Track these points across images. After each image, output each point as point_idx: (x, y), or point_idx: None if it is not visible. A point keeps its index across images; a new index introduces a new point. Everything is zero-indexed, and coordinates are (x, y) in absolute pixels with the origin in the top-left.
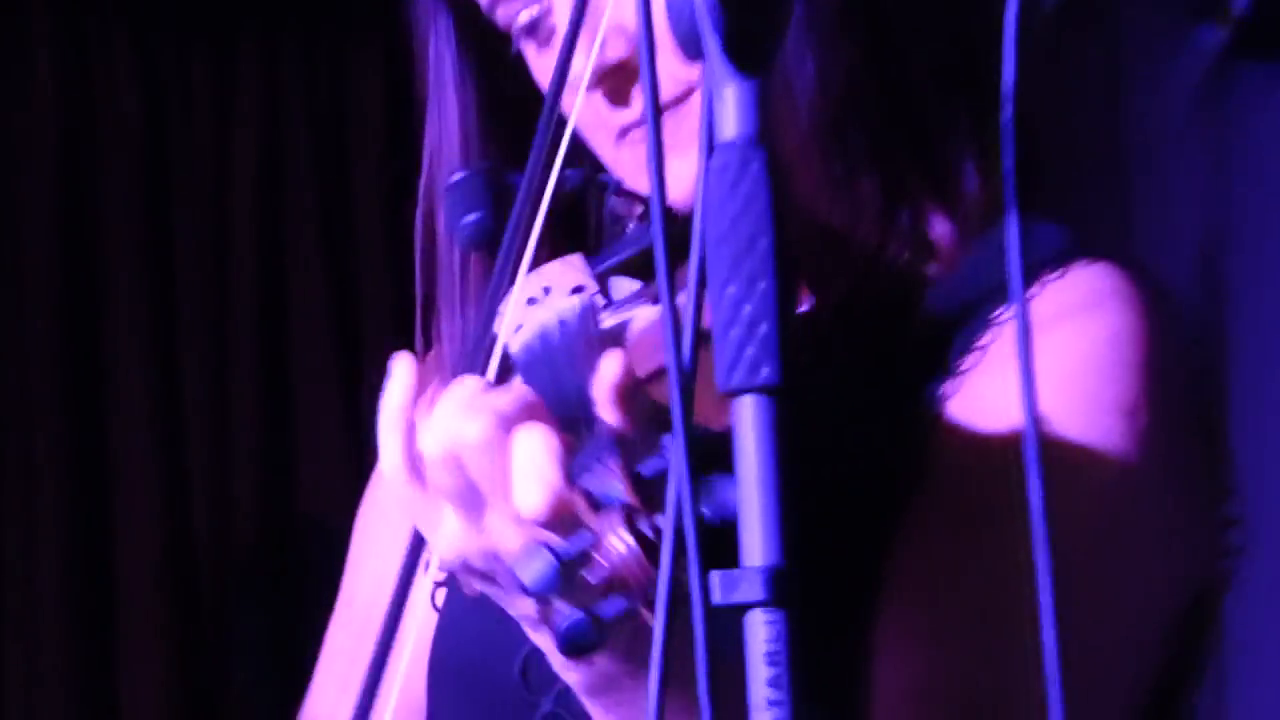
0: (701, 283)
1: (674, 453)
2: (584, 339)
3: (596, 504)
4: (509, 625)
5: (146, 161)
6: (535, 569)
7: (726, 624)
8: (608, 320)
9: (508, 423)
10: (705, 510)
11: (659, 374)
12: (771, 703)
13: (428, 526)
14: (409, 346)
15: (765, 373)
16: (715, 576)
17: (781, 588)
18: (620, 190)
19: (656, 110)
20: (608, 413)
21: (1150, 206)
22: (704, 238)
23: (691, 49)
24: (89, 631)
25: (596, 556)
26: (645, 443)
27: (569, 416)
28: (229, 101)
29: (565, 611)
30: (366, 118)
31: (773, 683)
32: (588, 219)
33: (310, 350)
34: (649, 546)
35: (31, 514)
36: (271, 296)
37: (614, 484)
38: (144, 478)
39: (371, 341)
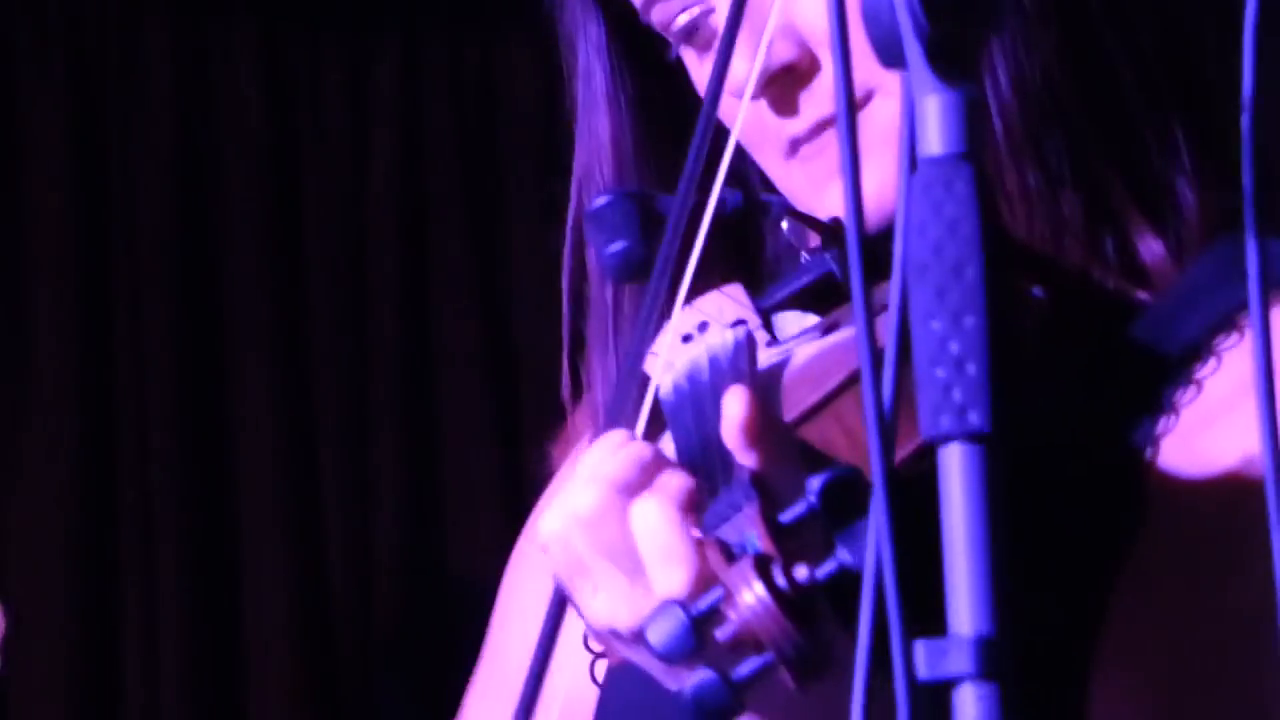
0: (903, 314)
1: (875, 507)
2: (735, 378)
3: (731, 555)
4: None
5: (274, 174)
6: (664, 629)
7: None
8: (766, 357)
9: (626, 489)
10: (850, 559)
11: (814, 412)
12: None
13: (574, 595)
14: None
15: (974, 418)
16: (919, 647)
17: (994, 659)
18: (790, 212)
19: (853, 125)
20: (740, 455)
21: None
22: (905, 264)
23: (889, 55)
24: (218, 703)
25: (726, 610)
26: (788, 487)
27: (716, 462)
28: (364, 105)
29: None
30: (520, 124)
31: None
32: (752, 246)
33: (458, 393)
34: (784, 600)
35: (155, 571)
36: (415, 332)
37: (750, 532)
38: (275, 533)
39: (525, 384)
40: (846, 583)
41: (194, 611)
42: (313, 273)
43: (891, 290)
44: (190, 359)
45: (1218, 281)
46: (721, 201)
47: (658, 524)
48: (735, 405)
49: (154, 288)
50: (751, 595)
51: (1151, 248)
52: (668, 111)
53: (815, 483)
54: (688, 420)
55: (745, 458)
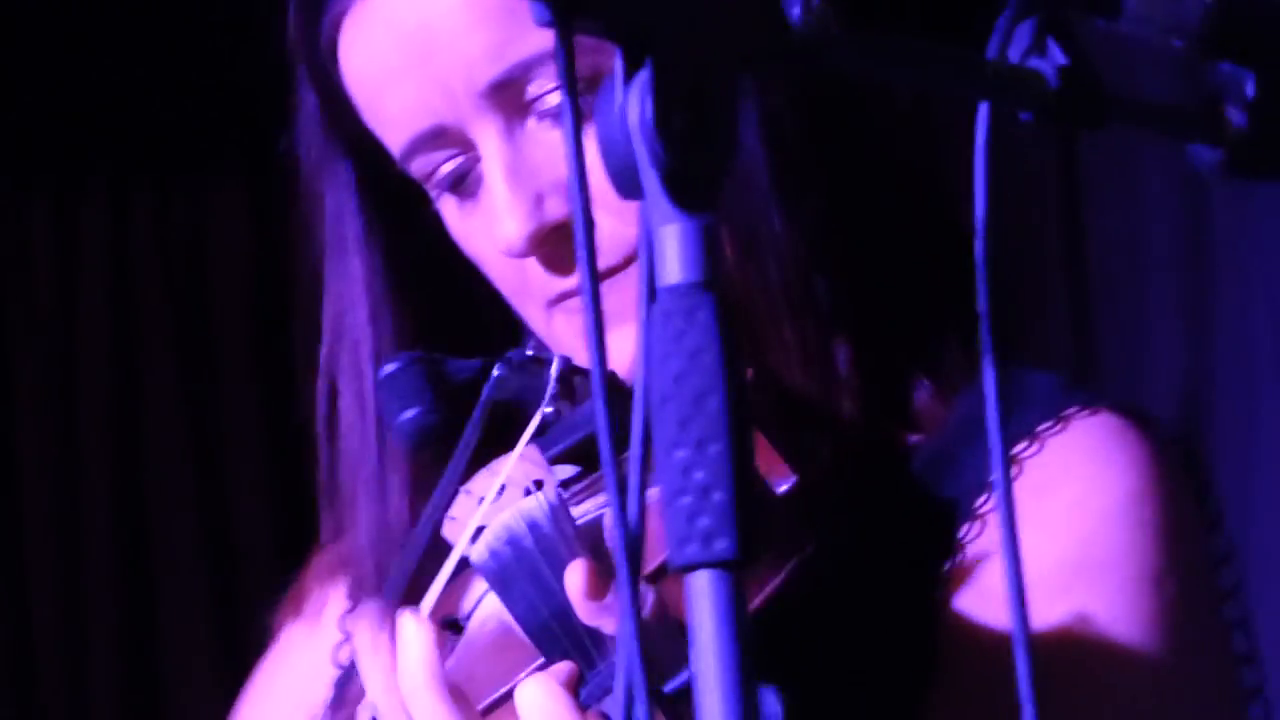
0: (647, 449)
1: (624, 637)
2: (561, 540)
3: None
4: None
5: None
6: None
7: None
8: (576, 512)
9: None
10: None
11: (663, 570)
12: None
13: None
14: (282, 527)
15: (721, 545)
16: None
17: None
18: (571, 368)
19: (594, 271)
20: (596, 622)
21: (1121, 339)
22: (647, 397)
23: (627, 186)
24: None
25: None
26: (663, 651)
27: (579, 630)
28: (74, 258)
29: None
30: (230, 270)
31: None
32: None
33: (171, 556)
34: None
35: None
36: (126, 482)
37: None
38: None
39: (242, 542)
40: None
41: None
42: (21, 430)
43: (633, 422)
44: None
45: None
46: (507, 359)
47: (543, 701)
48: (576, 578)
49: None
50: None
51: (920, 391)
52: (419, 257)
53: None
54: (527, 590)
55: (605, 625)
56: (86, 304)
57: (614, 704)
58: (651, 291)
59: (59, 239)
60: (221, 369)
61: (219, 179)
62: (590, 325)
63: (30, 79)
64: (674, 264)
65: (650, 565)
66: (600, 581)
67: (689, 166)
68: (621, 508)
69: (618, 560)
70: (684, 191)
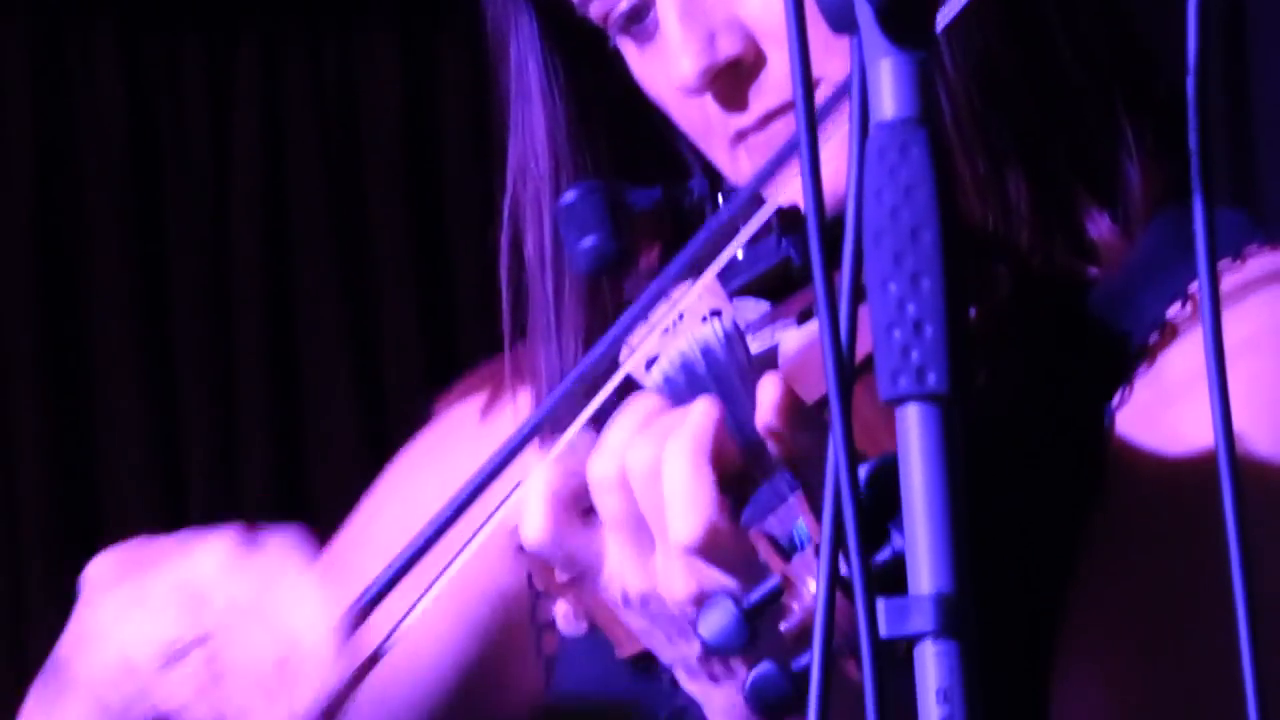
0: (858, 283)
1: (833, 457)
2: (734, 367)
3: (782, 547)
4: (650, 677)
5: (134, 176)
6: (716, 620)
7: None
8: (754, 345)
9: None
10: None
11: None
12: None
13: (590, 559)
14: (433, 375)
15: (932, 379)
16: (880, 606)
17: (954, 617)
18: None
19: (810, 97)
20: (777, 442)
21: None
22: (859, 231)
23: (840, 21)
24: None
25: (789, 602)
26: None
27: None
28: (226, 99)
29: (751, 664)
30: (380, 113)
31: None
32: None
33: (324, 382)
34: (847, 588)
35: (19, 575)
36: (279, 318)
37: (799, 521)
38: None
39: (392, 377)
40: (900, 569)
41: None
42: (175, 273)
43: (845, 253)
44: (52, 356)
45: (1166, 253)
46: (686, 191)
47: (688, 473)
48: (771, 390)
49: (13, 290)
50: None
51: (1099, 224)
52: (601, 103)
53: (862, 471)
54: None
55: (783, 444)
56: (239, 151)
57: (776, 522)
58: (864, 126)
59: (212, 87)
60: (372, 214)
61: (370, 26)
62: (806, 171)
63: None
64: (888, 99)
65: (817, 395)
66: (793, 402)
67: (903, 1)
68: (834, 334)
69: (828, 385)
70: (899, 26)
